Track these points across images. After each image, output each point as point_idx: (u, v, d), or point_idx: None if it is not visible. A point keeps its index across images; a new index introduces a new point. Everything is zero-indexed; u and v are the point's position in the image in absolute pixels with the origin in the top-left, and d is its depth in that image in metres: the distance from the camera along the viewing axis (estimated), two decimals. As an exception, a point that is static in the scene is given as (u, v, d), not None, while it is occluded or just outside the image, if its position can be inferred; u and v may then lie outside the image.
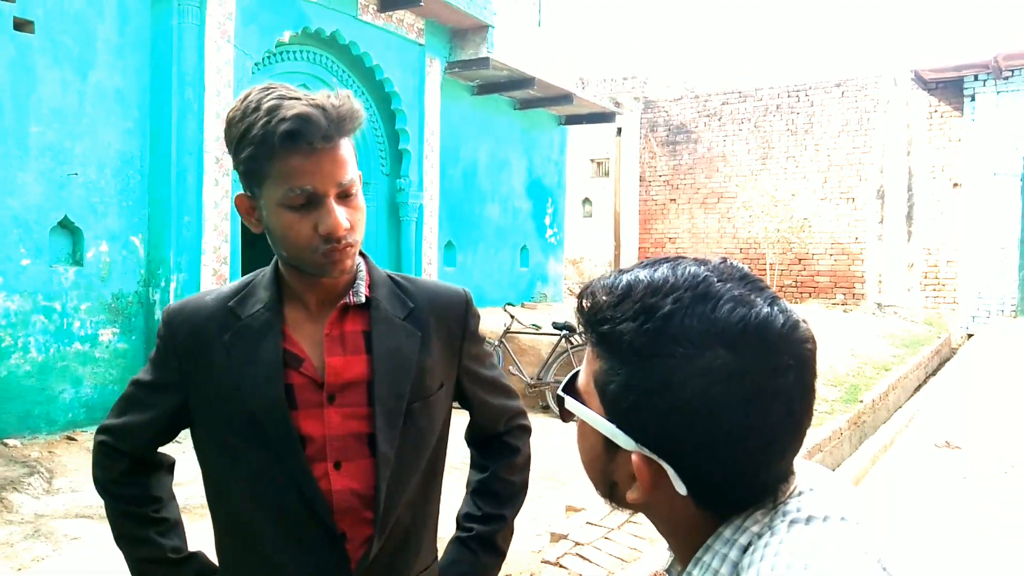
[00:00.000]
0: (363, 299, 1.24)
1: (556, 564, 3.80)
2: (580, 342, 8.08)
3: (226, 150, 5.58)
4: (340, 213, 1.13)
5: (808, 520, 0.74)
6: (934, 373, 9.52)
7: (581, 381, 0.81)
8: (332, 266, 1.16)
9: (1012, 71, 11.71)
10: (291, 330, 1.22)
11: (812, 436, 5.28)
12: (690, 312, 0.72)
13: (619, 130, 15.74)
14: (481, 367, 1.39)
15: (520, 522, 4.66)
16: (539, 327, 8.57)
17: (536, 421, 8.04)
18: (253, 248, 7.29)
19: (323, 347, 1.21)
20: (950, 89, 12.49)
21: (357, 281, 1.24)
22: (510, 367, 8.26)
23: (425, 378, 1.25)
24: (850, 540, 0.72)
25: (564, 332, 8.09)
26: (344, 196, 1.15)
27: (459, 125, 10.08)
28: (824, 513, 0.75)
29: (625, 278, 0.78)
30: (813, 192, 14.36)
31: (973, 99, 12.12)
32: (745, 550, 0.75)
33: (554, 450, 6.47)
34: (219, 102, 6.37)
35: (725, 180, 15.28)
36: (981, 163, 12.02)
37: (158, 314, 6.27)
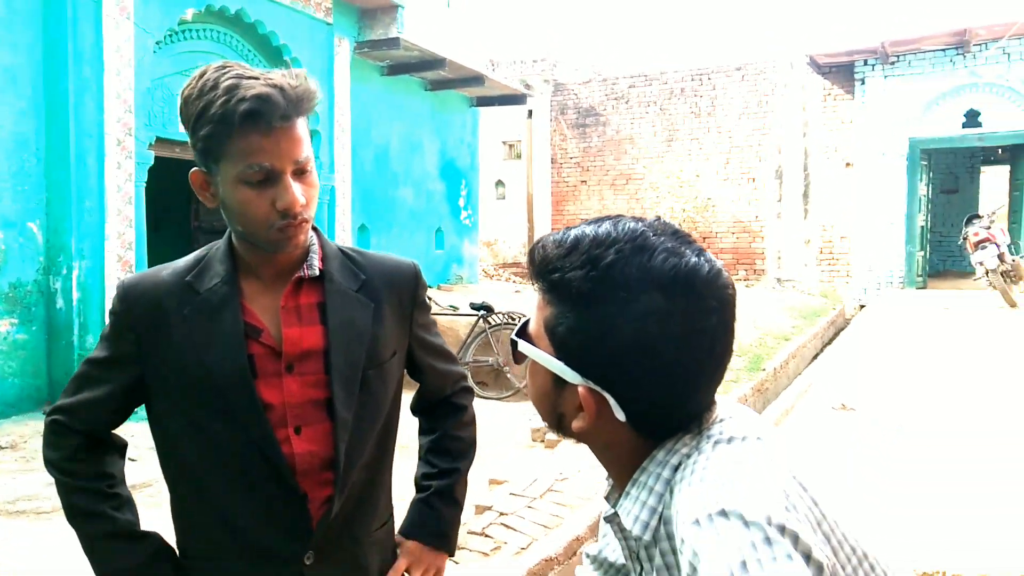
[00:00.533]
0: (316, 272, 1.29)
1: (482, 534, 3.89)
2: (497, 322, 8.18)
3: (129, 132, 5.37)
4: (296, 189, 1.17)
5: (729, 440, 0.85)
6: (830, 342, 10.07)
7: (532, 327, 0.91)
8: (287, 241, 1.20)
9: (898, 56, 12.39)
10: (248, 302, 1.26)
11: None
12: (630, 261, 0.82)
13: (530, 112, 15.87)
14: (428, 335, 1.47)
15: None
16: (456, 308, 8.63)
17: (456, 400, 8.04)
18: (157, 232, 7.07)
19: (279, 318, 1.25)
20: (842, 73, 13.12)
21: (310, 254, 1.29)
22: (428, 348, 8.30)
23: (378, 346, 1.31)
24: (766, 454, 0.83)
25: (482, 313, 8.17)
26: (300, 173, 1.19)
27: (370, 106, 9.98)
28: (743, 434, 0.86)
29: (573, 233, 0.87)
30: (716, 173, 14.86)
31: (863, 83, 12.77)
32: (676, 469, 0.86)
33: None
34: (119, 82, 6.12)
35: (633, 162, 15.63)
36: (870, 144, 12.71)
37: (60, 303, 6.02)
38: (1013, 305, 9.40)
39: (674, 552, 0.84)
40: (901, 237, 12.65)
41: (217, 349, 1.21)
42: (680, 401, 0.85)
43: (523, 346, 0.92)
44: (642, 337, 0.81)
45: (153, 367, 1.25)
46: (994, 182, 18.63)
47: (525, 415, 7.02)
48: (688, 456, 0.86)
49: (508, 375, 7.92)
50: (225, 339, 1.22)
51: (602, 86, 16.04)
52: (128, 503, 1.30)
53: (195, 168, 1.22)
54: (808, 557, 0.72)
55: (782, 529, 0.72)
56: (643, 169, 15.31)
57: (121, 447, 1.36)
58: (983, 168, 16.54)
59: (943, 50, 12.06)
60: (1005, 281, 9.47)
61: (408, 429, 1.52)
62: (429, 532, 1.44)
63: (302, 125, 1.20)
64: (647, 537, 0.87)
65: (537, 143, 16.41)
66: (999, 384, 5.65)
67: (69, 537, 3.57)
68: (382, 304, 1.34)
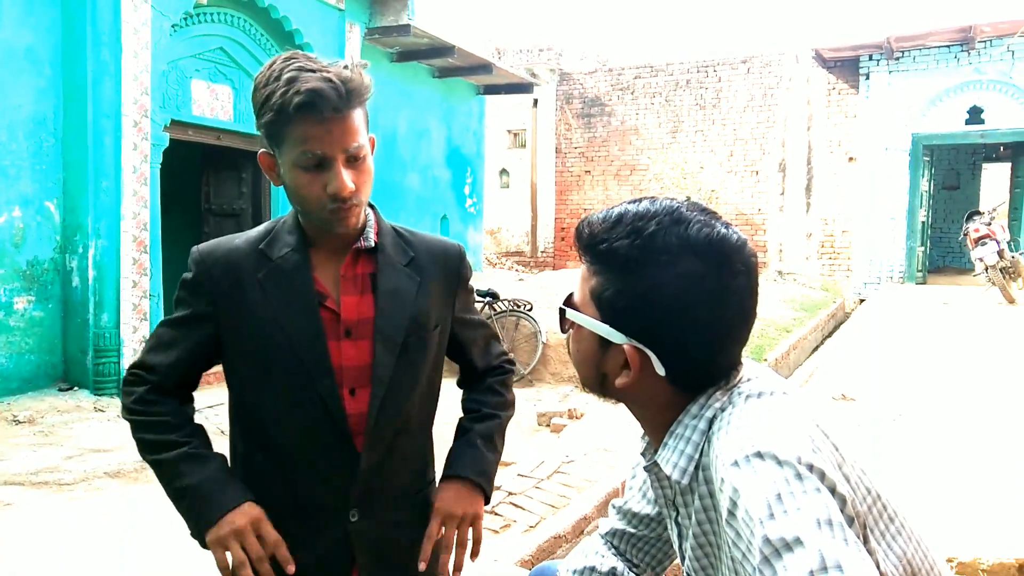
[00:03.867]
0: (372, 244, 1.40)
1: (492, 512, 4.01)
2: (503, 309, 8.28)
3: (145, 114, 5.46)
4: (346, 176, 1.27)
5: (759, 395, 0.97)
6: (830, 335, 10.19)
7: (577, 297, 1.04)
8: (338, 223, 1.31)
9: (903, 52, 12.44)
10: (314, 270, 1.37)
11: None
12: (669, 231, 0.95)
13: (535, 101, 15.91)
14: (471, 314, 1.58)
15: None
16: (462, 294, 8.73)
17: (463, 384, 8.14)
18: (168, 214, 7.15)
19: (340, 286, 1.37)
20: (847, 68, 13.17)
21: (367, 229, 1.40)
22: (434, 333, 8.40)
23: (421, 317, 1.42)
24: (792, 406, 0.96)
25: (488, 300, 8.26)
26: (352, 160, 1.29)
27: (378, 93, 9.95)
28: (770, 390, 0.98)
29: (616, 210, 1.01)
30: (720, 165, 14.93)
31: (868, 78, 12.83)
32: (711, 421, 0.98)
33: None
34: (136, 64, 6.20)
35: (637, 152, 15.69)
36: (874, 138, 12.77)
37: (75, 281, 6.11)
38: (1012, 301, 9.51)
39: (711, 495, 0.95)
40: (902, 232, 12.74)
41: (292, 311, 1.33)
42: (713, 356, 0.97)
43: (571, 313, 1.03)
44: (681, 296, 0.93)
45: (228, 327, 1.36)
46: (995, 179, 18.71)
47: (531, 400, 7.13)
48: (722, 410, 0.98)
49: (514, 361, 8.03)
50: (300, 303, 1.33)
51: (608, 76, 16.08)
52: (198, 432, 1.39)
53: (263, 150, 1.34)
54: (833, 491, 0.83)
55: (810, 467, 0.83)
56: (647, 160, 15.38)
57: (192, 398, 1.45)
58: (984, 165, 16.61)
59: (948, 46, 12.12)
60: (1004, 278, 9.56)
61: (443, 414, 1.60)
62: (469, 467, 1.48)
63: (357, 116, 1.28)
64: (684, 482, 0.99)
65: (542, 132, 16.46)
66: (995, 377, 5.76)
67: (90, 508, 3.69)
68: (428, 279, 1.44)
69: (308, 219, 1.35)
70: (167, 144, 6.59)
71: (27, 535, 3.52)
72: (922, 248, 13.01)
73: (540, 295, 9.19)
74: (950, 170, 16.24)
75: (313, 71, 1.24)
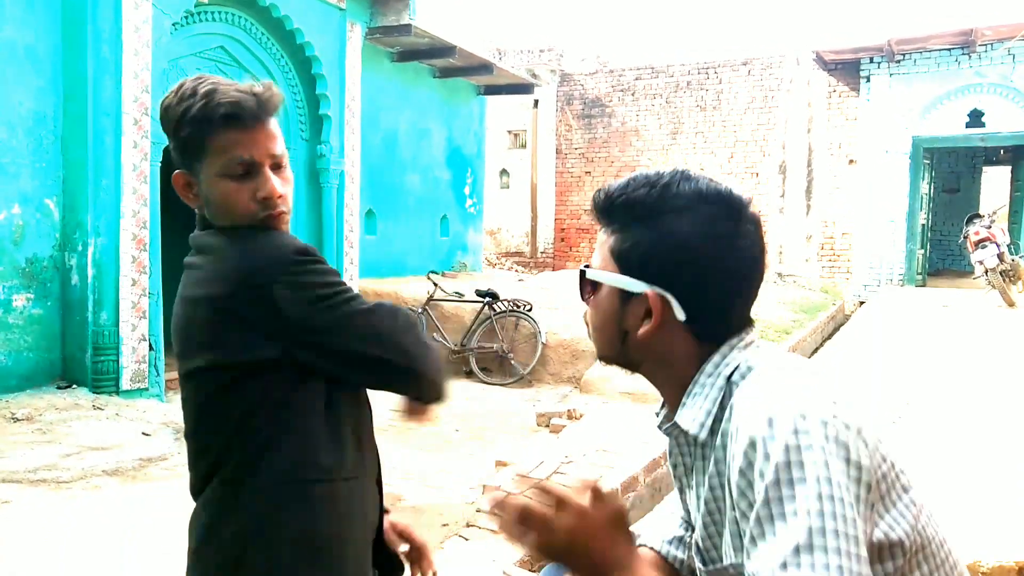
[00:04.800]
0: None
1: (490, 512, 4.00)
2: (502, 309, 8.28)
3: (145, 112, 5.43)
4: (275, 181, 1.29)
5: (777, 357, 1.03)
6: (829, 337, 10.18)
7: (596, 262, 1.10)
8: (275, 227, 1.32)
9: (904, 55, 12.45)
10: None
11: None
12: (682, 183, 1.03)
13: (536, 102, 15.92)
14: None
15: (452, 477, 4.83)
16: (462, 295, 8.73)
17: (460, 385, 8.22)
18: (169, 213, 7.13)
19: None
20: (848, 70, 13.18)
21: None
22: (434, 334, 8.40)
23: None
24: (814, 369, 1.00)
25: (487, 300, 8.27)
26: (276, 167, 1.31)
27: (379, 92, 10.03)
28: (786, 356, 1.04)
29: (628, 175, 1.08)
30: (720, 167, 14.93)
31: (868, 80, 12.83)
32: (729, 378, 1.02)
33: (480, 412, 6.67)
34: (137, 62, 6.19)
35: (638, 154, 15.69)
36: (874, 141, 12.78)
37: (75, 279, 6.10)
38: (1011, 304, 9.50)
39: (725, 451, 0.98)
40: (902, 235, 12.74)
41: None
42: (728, 303, 1.04)
43: (591, 272, 1.09)
44: (697, 240, 1.00)
45: None
46: (995, 182, 18.72)
47: (530, 401, 7.13)
48: (738, 366, 1.02)
49: (512, 361, 8.03)
50: None
51: (608, 77, 16.09)
52: None
53: (177, 171, 1.34)
54: (848, 461, 0.87)
55: (832, 434, 0.87)
56: (648, 161, 15.37)
57: None
58: (985, 168, 16.62)
59: (948, 50, 12.12)
60: (1004, 281, 9.56)
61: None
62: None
63: (274, 124, 1.32)
64: (703, 436, 1.02)
65: (542, 133, 16.46)
66: (995, 380, 5.76)
67: (88, 506, 3.67)
68: None
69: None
70: (167, 143, 6.58)
71: (24, 533, 3.51)
72: (922, 251, 13.01)
73: (540, 296, 9.19)
74: (950, 173, 16.25)
75: (228, 84, 1.28)
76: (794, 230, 14.12)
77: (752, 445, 0.88)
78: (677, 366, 1.06)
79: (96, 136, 6.01)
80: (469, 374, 8.16)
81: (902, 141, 12.55)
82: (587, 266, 1.11)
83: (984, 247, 9.53)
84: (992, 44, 11.66)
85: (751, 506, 0.88)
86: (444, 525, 4.19)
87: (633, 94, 15.78)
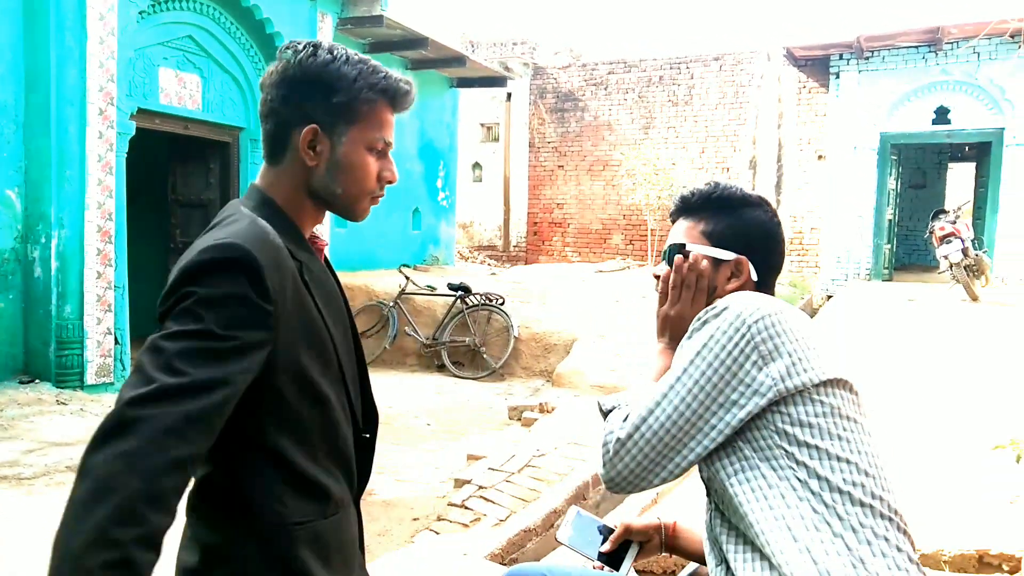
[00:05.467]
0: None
1: (462, 506, 4.00)
2: (475, 303, 8.26)
3: (111, 102, 5.28)
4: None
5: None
6: (798, 331, 10.25)
7: (687, 241, 1.49)
8: (366, 211, 1.35)
9: (872, 52, 12.60)
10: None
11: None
12: (744, 188, 1.53)
13: (508, 95, 15.88)
14: None
15: (424, 472, 4.81)
16: (434, 288, 8.70)
17: (432, 379, 8.18)
18: (134, 204, 7.02)
19: None
20: (818, 67, 13.30)
21: None
22: (406, 327, 8.36)
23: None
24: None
25: (459, 293, 8.24)
26: None
27: (351, 84, 9.93)
28: None
29: (707, 181, 1.54)
30: (691, 162, 15.02)
31: (838, 77, 12.97)
32: None
33: (452, 406, 6.66)
34: (102, 51, 6.08)
35: (610, 148, 15.72)
36: (843, 137, 12.92)
37: (38, 272, 5.99)
38: (975, 299, 9.68)
39: None
40: (869, 230, 12.91)
41: (334, 311, 1.31)
42: (777, 269, 1.49)
43: (691, 246, 1.47)
44: (766, 224, 1.48)
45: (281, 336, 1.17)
46: (960, 178, 19.04)
47: (502, 395, 7.13)
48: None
49: (484, 355, 8.02)
50: (337, 301, 1.35)
51: (581, 71, 16.09)
52: None
53: (313, 125, 1.25)
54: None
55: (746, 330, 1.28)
56: (620, 156, 15.40)
57: None
58: (950, 164, 16.89)
59: (916, 47, 12.28)
60: (968, 275, 9.73)
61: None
62: None
63: None
64: None
65: (515, 126, 16.44)
66: (958, 373, 5.87)
67: (51, 503, 3.60)
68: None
69: (340, 203, 1.30)
70: (133, 133, 6.48)
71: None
72: (889, 246, 13.19)
73: (513, 289, 9.18)
74: (917, 169, 16.49)
75: (387, 71, 1.34)
76: (764, 225, 14.21)
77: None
78: None
79: (59, 126, 5.89)
80: (441, 368, 8.14)
81: (870, 137, 12.71)
82: (680, 247, 1.48)
83: (949, 242, 9.69)
84: (958, 42, 11.84)
85: None
86: (415, 519, 4.18)
87: (606, 88, 15.80)
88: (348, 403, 1.31)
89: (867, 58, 12.65)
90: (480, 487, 4.21)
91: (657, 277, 1.52)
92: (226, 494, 1.19)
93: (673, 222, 1.55)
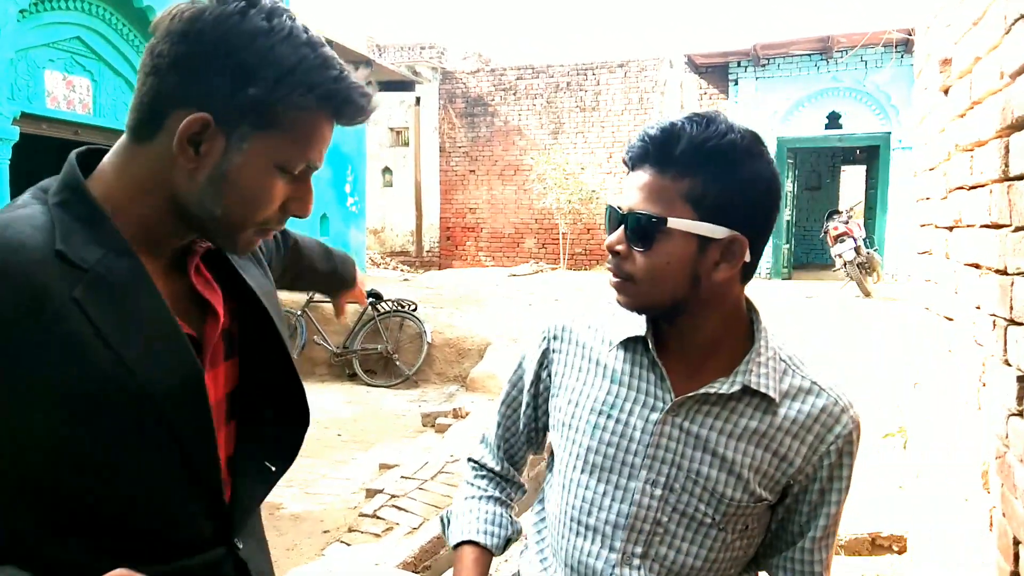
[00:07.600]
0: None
1: (373, 516, 3.93)
2: (386, 310, 8.16)
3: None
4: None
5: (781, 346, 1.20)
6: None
7: (659, 211, 1.02)
8: (251, 245, 0.98)
9: (768, 60, 13.11)
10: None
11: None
12: (735, 124, 1.04)
13: (418, 100, 15.80)
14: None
15: (335, 483, 4.71)
16: (344, 295, 8.53)
17: (343, 389, 8.04)
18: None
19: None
20: (717, 74, 13.76)
21: None
22: (314, 337, 8.19)
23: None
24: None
25: (371, 300, 8.12)
26: None
27: (254, 88, 9.68)
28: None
29: (680, 120, 1.06)
30: (600, 166, 15.27)
31: (736, 83, 13.44)
32: (779, 351, 1.17)
33: (363, 416, 6.55)
34: (-20, 51, 5.73)
35: (521, 153, 15.84)
36: (743, 141, 13.39)
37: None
38: (868, 295, 10.17)
39: (772, 420, 1.10)
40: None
41: (146, 347, 0.86)
42: (764, 246, 1.08)
43: (673, 221, 1.00)
44: (773, 184, 1.03)
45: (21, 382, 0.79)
46: (853, 180, 20.01)
47: (415, 402, 7.06)
48: (781, 348, 1.17)
49: (397, 362, 7.93)
50: (172, 325, 0.90)
51: (490, 76, 16.16)
52: None
53: (202, 114, 0.86)
54: None
55: None
56: (530, 160, 15.54)
57: None
58: (843, 167, 17.72)
59: (809, 55, 12.85)
60: (861, 272, 10.23)
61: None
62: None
63: None
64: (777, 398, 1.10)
65: (425, 131, 16.36)
66: (853, 363, 6.16)
67: None
68: (261, 262, 1.19)
69: (214, 226, 0.92)
70: (17, 138, 6.13)
71: None
72: (787, 246, 13.72)
73: (426, 295, 9.12)
74: (812, 172, 17.23)
75: (339, 60, 0.92)
76: (671, 227, 14.57)
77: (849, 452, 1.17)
78: (729, 308, 1.10)
79: (-67, 131, 5.52)
80: (352, 377, 8.00)
81: (768, 142, 13.15)
82: (639, 212, 1.01)
83: (843, 241, 10.16)
84: (847, 51, 12.45)
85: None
86: (325, 532, 4.09)
87: (515, 94, 15.91)
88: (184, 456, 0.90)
89: (763, 65, 13.15)
90: (392, 496, 4.15)
91: (616, 253, 1.05)
92: None
93: (632, 168, 1.06)
